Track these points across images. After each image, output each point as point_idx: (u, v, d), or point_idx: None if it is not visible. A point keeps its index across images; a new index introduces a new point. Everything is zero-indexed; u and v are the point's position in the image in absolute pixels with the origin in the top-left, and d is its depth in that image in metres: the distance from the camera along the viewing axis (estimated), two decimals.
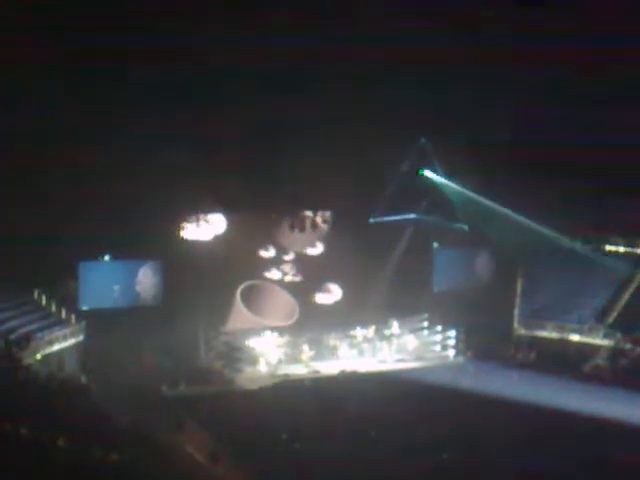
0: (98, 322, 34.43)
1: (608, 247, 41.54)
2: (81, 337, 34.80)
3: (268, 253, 39.22)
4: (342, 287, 39.91)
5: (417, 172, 40.42)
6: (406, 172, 40.38)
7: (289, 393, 33.15)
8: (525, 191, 38.52)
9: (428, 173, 40.66)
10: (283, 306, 39.50)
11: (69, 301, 35.48)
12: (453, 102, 37.35)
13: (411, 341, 39.80)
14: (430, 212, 40.47)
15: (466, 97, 37.52)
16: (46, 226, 32.97)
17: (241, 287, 38.45)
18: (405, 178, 40.43)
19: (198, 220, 36.45)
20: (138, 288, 36.78)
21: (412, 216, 40.45)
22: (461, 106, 37.44)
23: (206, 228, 36.75)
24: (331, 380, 35.50)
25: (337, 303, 39.89)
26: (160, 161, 34.26)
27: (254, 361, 36.96)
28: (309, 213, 39.34)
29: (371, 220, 40.00)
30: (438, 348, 39.96)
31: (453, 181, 40.41)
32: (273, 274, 39.43)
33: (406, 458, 25.66)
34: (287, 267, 39.49)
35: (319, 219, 39.55)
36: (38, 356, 32.09)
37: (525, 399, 31.17)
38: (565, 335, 38.82)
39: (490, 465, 25.63)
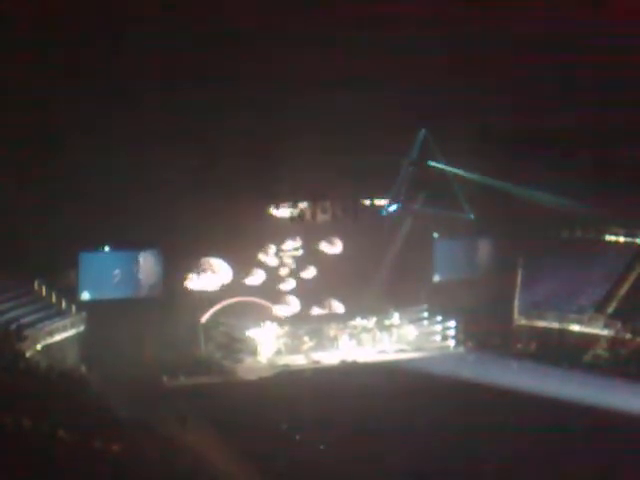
0: (98, 313, 34.44)
1: (608, 237, 41.52)
2: (81, 328, 34.82)
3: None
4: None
5: (424, 163, 40.44)
6: (409, 163, 40.41)
7: (289, 383, 33.19)
8: (525, 179, 38.65)
9: (432, 163, 40.67)
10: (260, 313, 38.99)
11: (69, 292, 35.49)
12: (452, 91, 37.27)
13: (411, 331, 39.79)
14: (432, 202, 40.44)
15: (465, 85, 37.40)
16: (46, 217, 33.01)
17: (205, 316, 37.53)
18: (408, 169, 40.48)
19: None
20: (138, 279, 36.78)
21: (398, 206, 40.53)
22: (460, 94, 37.34)
23: None
24: (331, 370, 35.56)
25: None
26: (160, 153, 34.33)
27: (254, 351, 36.98)
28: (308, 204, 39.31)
29: (382, 212, 40.14)
30: (438, 338, 39.92)
31: (456, 169, 40.39)
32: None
33: (406, 449, 25.71)
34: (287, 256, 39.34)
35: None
36: (38, 347, 32.09)
37: (525, 389, 31.18)
38: (565, 325, 38.74)
39: (489, 454, 25.68)
